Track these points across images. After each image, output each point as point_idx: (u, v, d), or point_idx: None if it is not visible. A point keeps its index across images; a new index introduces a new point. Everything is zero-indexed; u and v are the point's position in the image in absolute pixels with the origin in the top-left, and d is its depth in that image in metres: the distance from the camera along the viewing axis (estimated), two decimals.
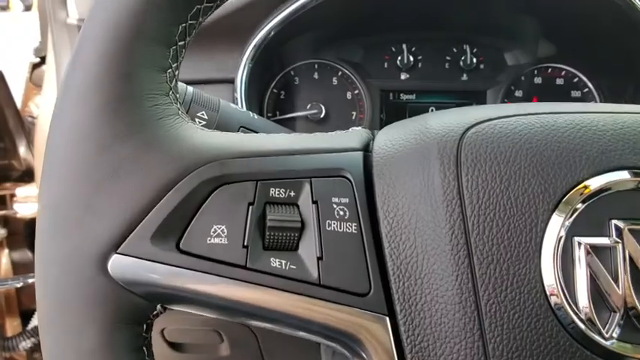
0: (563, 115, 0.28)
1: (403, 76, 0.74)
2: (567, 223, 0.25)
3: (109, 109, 0.26)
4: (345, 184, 0.28)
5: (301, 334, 0.27)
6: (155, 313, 0.27)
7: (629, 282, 0.25)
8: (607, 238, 0.25)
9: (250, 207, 0.26)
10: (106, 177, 0.25)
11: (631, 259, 0.25)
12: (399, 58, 0.73)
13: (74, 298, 0.25)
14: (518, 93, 0.73)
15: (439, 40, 0.73)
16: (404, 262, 0.26)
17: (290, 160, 0.28)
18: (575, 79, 0.73)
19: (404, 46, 0.73)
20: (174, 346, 0.81)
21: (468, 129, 0.28)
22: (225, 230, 0.26)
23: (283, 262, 0.26)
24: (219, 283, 0.26)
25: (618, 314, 0.25)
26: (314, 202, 0.27)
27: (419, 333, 0.26)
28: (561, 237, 0.25)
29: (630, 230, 0.25)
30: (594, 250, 0.25)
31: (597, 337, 0.24)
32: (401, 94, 0.74)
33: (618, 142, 0.27)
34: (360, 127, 0.33)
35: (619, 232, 0.25)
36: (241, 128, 0.42)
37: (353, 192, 0.28)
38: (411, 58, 0.72)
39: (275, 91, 0.73)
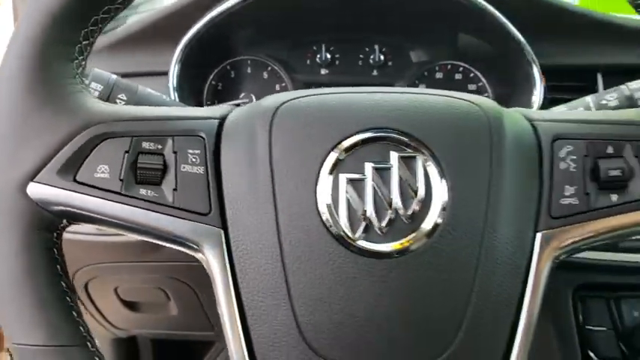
0: (350, 94, 0.41)
1: (323, 72, 0.86)
2: (337, 164, 0.38)
3: (32, 87, 0.38)
4: (199, 141, 0.40)
5: (163, 243, 0.40)
6: (62, 225, 0.40)
7: (372, 203, 0.37)
8: (361, 174, 0.38)
9: (126, 154, 0.39)
10: (29, 132, 0.37)
11: (374, 188, 0.37)
12: (319, 55, 0.85)
13: (3, 214, 0.37)
14: (422, 87, 0.86)
15: (353, 40, 0.85)
16: (235, 191, 0.39)
17: (160, 124, 0.40)
18: (471, 75, 0.86)
19: (323, 45, 0.85)
20: (129, 305, 0.92)
21: (283, 103, 0.40)
22: (108, 168, 0.38)
23: (149, 191, 0.39)
24: (103, 203, 0.38)
25: (363, 224, 0.37)
26: (174, 152, 0.39)
27: (242, 239, 0.38)
28: (332, 173, 0.38)
29: (375, 169, 0.37)
30: (352, 182, 0.37)
31: (350, 239, 0.37)
32: (322, 87, 0.86)
33: (379, 111, 0.39)
34: (227, 104, 0.46)
35: (368, 170, 0.38)
36: None
37: (204, 146, 0.40)
38: (329, 56, 0.85)
39: (213, 82, 0.85)
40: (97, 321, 0.97)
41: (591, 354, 0.77)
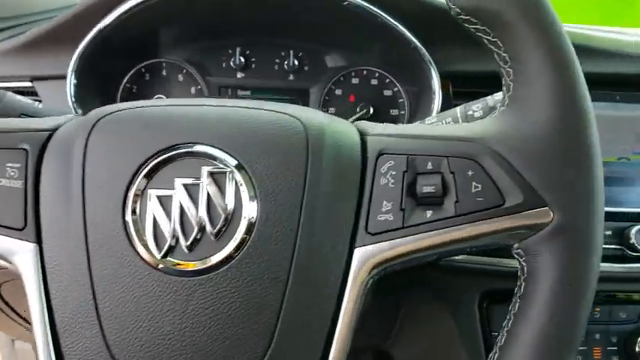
0: (170, 107, 0.41)
1: (239, 75, 0.86)
2: (146, 180, 0.38)
3: None
4: (21, 154, 0.40)
5: None
6: None
7: (179, 220, 0.37)
8: (170, 191, 0.37)
9: None
10: None
11: (181, 205, 0.37)
12: (233, 59, 0.85)
13: None
14: (338, 91, 0.86)
15: (269, 45, 0.85)
16: (51, 205, 0.39)
17: None
18: (387, 80, 0.85)
19: (237, 49, 0.85)
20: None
21: (103, 116, 0.40)
22: None
23: None
24: None
25: (169, 242, 0.37)
26: None
27: (55, 255, 0.38)
28: (141, 189, 0.37)
29: (184, 185, 0.37)
30: (160, 198, 0.37)
31: (156, 258, 0.37)
32: (238, 91, 0.86)
33: (194, 125, 0.39)
34: (72, 114, 0.45)
35: (178, 186, 0.37)
36: (22, 115, 0.54)
37: (26, 159, 0.40)
38: (243, 60, 0.84)
39: (128, 85, 0.85)
40: (21, 325, 0.96)
41: None
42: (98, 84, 0.79)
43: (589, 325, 0.81)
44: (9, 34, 0.85)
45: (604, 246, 0.75)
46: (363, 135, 0.42)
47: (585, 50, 0.76)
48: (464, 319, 0.79)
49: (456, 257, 0.73)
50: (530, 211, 0.38)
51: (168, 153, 0.38)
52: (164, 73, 0.85)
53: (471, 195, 0.38)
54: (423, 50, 0.72)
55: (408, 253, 0.39)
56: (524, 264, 0.40)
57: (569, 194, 0.38)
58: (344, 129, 0.42)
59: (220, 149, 0.38)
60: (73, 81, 0.72)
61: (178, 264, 0.37)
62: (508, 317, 0.40)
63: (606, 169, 0.79)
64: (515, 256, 0.40)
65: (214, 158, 0.38)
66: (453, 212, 0.39)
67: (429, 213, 0.39)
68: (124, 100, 0.85)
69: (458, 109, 0.55)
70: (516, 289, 0.40)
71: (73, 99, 0.72)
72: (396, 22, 0.71)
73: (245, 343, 0.37)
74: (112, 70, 0.82)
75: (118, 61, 0.82)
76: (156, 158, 0.38)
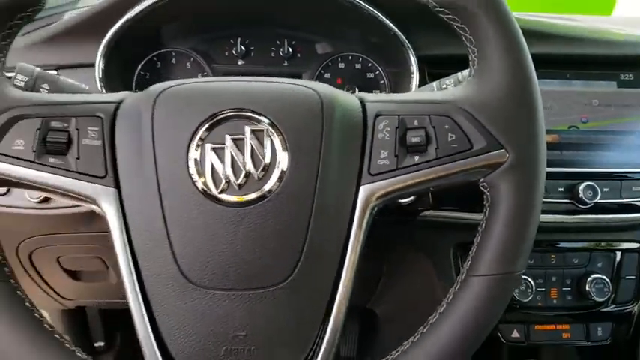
0: (217, 82, 0.52)
1: (240, 62, 0.97)
2: (204, 136, 0.49)
3: None
4: (98, 120, 0.51)
5: (68, 200, 0.51)
6: None
7: (230, 166, 0.49)
8: (222, 144, 0.49)
9: (38, 131, 0.49)
10: None
11: (232, 155, 0.49)
12: (235, 48, 0.96)
13: None
14: (327, 75, 0.98)
15: (265, 35, 0.97)
16: (126, 158, 0.50)
17: (66, 107, 0.51)
18: (369, 64, 0.98)
19: (239, 39, 0.96)
20: (72, 273, 1.02)
21: (164, 89, 0.52)
22: (23, 142, 0.49)
23: (56, 160, 0.50)
24: (18, 170, 0.49)
25: (223, 181, 0.49)
26: (77, 129, 0.50)
27: (131, 195, 0.50)
28: (200, 143, 0.49)
29: (233, 139, 0.49)
30: (215, 150, 0.49)
31: (213, 193, 0.49)
32: (239, 76, 0.97)
33: (238, 95, 0.51)
34: (128, 92, 0.57)
35: (228, 140, 0.49)
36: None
37: (102, 124, 0.51)
38: (243, 48, 0.96)
39: (142, 72, 0.95)
40: (45, 291, 1.06)
41: None
42: (118, 70, 0.89)
43: (547, 269, 0.96)
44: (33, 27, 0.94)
45: (557, 201, 0.90)
46: (363, 102, 0.55)
47: (537, 34, 0.89)
48: (440, 267, 0.93)
49: (434, 213, 0.86)
50: (491, 153, 0.51)
51: (219, 116, 0.50)
52: (173, 61, 0.96)
53: (447, 143, 0.51)
54: (403, 37, 0.85)
55: (401, 189, 0.52)
56: (487, 194, 0.53)
57: (520, 138, 0.51)
58: (348, 98, 0.55)
59: (259, 113, 0.50)
60: (102, 67, 0.83)
61: (230, 198, 0.49)
62: (476, 234, 0.53)
63: (559, 136, 0.93)
64: (481, 188, 0.54)
65: (255, 120, 0.50)
66: (434, 156, 0.52)
67: (416, 157, 0.52)
68: (139, 85, 0.95)
69: (434, 83, 0.68)
70: (483, 214, 0.54)
71: (102, 82, 0.83)
72: (378, 13, 0.84)
73: (279, 261, 0.50)
74: (129, 58, 0.92)
75: (134, 50, 0.92)
76: (210, 120, 0.50)
